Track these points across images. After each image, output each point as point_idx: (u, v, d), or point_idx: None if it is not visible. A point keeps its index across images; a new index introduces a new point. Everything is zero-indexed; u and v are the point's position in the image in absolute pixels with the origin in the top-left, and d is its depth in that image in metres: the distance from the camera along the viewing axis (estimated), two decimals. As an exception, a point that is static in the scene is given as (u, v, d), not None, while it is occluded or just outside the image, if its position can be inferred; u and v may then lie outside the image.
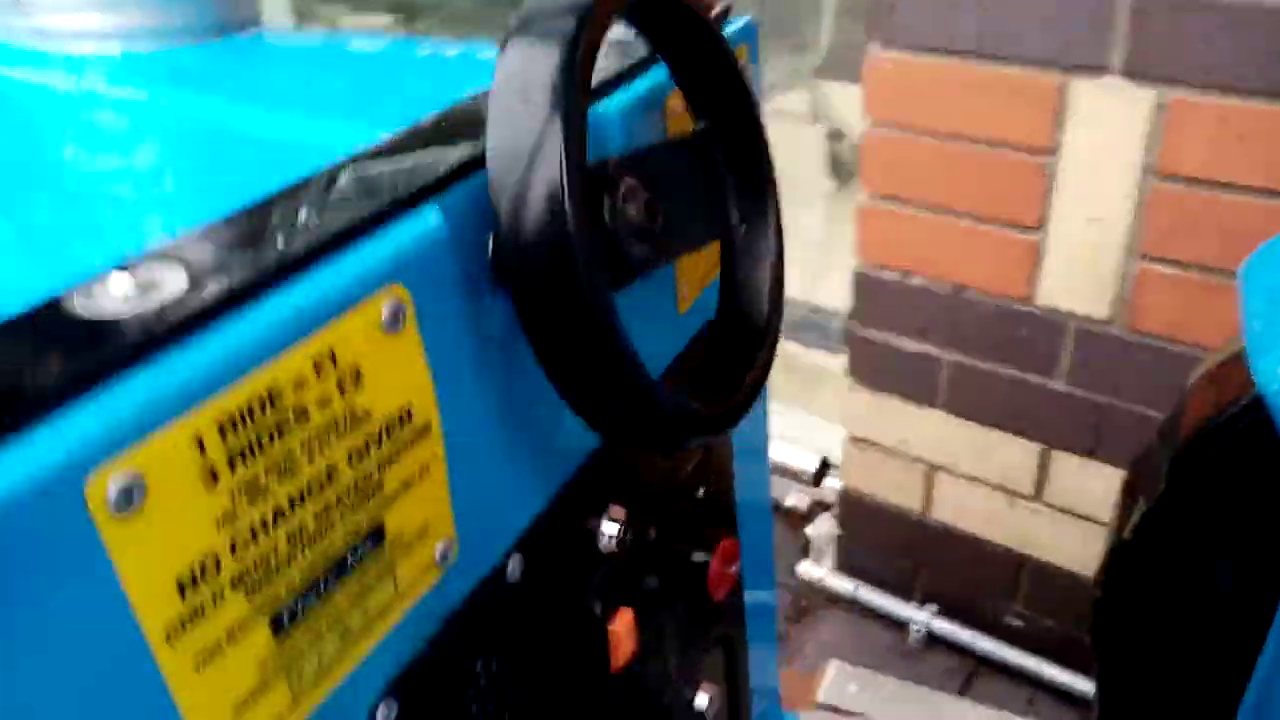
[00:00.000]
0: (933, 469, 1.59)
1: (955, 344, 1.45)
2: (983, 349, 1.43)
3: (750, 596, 0.87)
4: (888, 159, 1.39)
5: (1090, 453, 1.41)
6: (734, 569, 0.76)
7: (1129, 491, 0.86)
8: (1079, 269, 1.31)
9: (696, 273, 0.66)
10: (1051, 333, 1.37)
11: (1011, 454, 1.48)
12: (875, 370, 1.56)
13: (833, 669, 1.55)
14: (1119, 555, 0.80)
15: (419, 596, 0.44)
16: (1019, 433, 1.46)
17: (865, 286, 1.51)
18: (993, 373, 1.44)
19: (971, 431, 1.50)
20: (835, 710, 1.42)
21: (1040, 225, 1.32)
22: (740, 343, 0.56)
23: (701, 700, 0.77)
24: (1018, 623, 1.63)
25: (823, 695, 1.48)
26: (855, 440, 1.66)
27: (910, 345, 1.50)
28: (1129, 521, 0.79)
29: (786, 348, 2.27)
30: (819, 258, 2.29)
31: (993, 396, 1.45)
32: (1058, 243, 1.32)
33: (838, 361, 2.08)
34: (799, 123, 2.59)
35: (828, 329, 2.21)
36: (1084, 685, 1.55)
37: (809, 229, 2.45)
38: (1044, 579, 1.56)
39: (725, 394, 0.53)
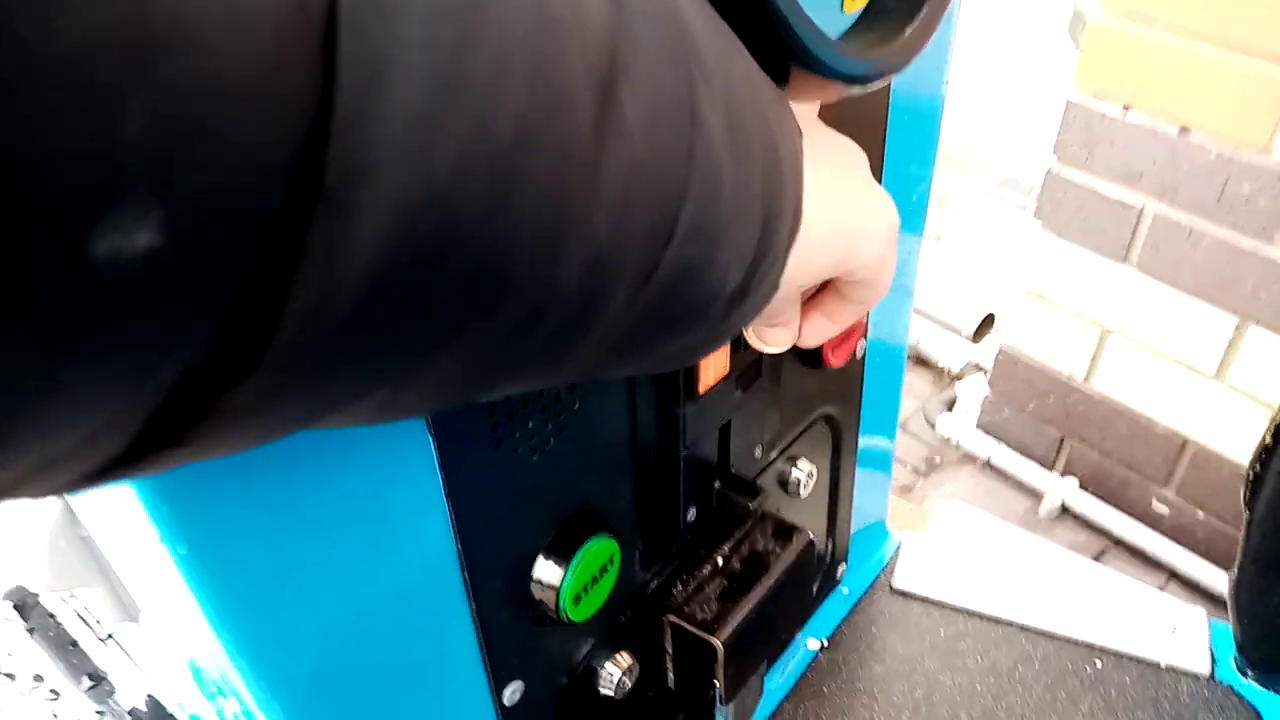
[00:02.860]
0: (1107, 333, 1.48)
1: (1166, 194, 1.32)
2: (1195, 204, 1.29)
3: (870, 392, 0.80)
4: (1135, -31, 1.23)
5: (1294, 335, 1.28)
6: (856, 341, 0.70)
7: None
8: (1334, 121, 1.15)
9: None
10: (1282, 194, 1.22)
11: (1201, 326, 1.35)
12: (1067, 215, 1.44)
13: (948, 505, 1.50)
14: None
15: None
16: (1215, 302, 1.32)
17: (1075, 118, 1.37)
18: (1202, 232, 1.30)
19: (1162, 295, 1.38)
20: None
21: (1299, 64, 1.16)
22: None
23: (797, 474, 0.73)
24: (1163, 509, 1.53)
25: (930, 528, 1.44)
26: (1028, 293, 1.56)
27: (1113, 191, 1.37)
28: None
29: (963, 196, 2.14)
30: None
31: (1195, 259, 1.32)
32: (1316, 87, 1.16)
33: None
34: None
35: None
36: (1224, 585, 1.45)
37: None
38: (1206, 467, 1.44)
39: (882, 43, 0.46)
